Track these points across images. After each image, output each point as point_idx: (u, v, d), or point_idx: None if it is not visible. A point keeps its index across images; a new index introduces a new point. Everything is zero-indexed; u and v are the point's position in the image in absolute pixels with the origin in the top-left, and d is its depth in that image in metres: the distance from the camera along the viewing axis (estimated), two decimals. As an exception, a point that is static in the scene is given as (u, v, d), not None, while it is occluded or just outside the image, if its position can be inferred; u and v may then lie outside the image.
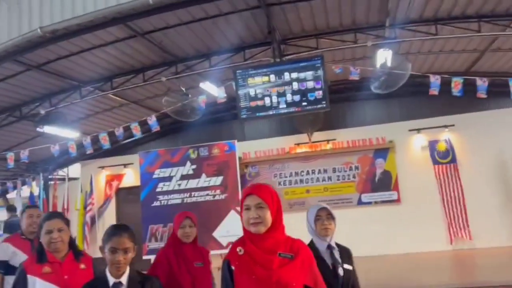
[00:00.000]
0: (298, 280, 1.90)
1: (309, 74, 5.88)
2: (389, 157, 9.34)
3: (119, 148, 10.24)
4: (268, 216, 1.90)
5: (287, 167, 9.87)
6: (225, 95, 7.19)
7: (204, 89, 7.34)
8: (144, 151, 10.01)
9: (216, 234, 9.50)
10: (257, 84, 6.03)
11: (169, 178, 9.88)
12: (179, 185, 9.84)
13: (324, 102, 5.88)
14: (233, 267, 1.92)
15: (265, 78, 5.98)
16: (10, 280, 3.02)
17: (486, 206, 8.40)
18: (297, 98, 5.91)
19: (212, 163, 9.71)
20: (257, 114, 6.04)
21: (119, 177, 10.72)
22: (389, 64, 6.44)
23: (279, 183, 9.88)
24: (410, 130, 9.25)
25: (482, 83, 6.00)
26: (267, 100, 5.96)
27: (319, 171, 9.66)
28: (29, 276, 2.51)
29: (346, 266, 2.57)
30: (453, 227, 8.55)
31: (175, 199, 9.82)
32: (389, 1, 5.38)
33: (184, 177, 9.82)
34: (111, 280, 2.19)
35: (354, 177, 9.39)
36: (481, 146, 8.73)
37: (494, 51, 7.30)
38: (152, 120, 7.02)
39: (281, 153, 9.82)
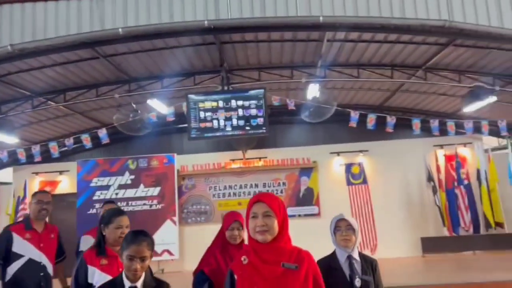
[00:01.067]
0: None
1: (253, 102, 6.80)
2: (313, 175, 10.53)
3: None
4: (275, 225, 1.93)
5: (222, 180, 10.66)
6: (173, 112, 7.85)
7: (152, 106, 7.95)
8: (83, 159, 10.27)
9: (151, 241, 9.92)
10: (207, 108, 6.83)
11: (106, 187, 10.25)
12: (117, 194, 10.25)
13: (264, 128, 6.82)
14: (236, 276, 1.95)
15: (214, 104, 6.80)
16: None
17: (392, 221, 9.83)
18: (241, 122, 6.79)
19: (151, 174, 10.26)
20: (205, 134, 6.83)
21: (53, 183, 10.79)
22: (317, 96, 7.57)
23: (214, 195, 10.63)
24: (331, 153, 10.51)
25: (390, 120, 7.31)
26: (215, 123, 6.78)
27: (251, 186, 10.57)
28: (89, 266, 2.78)
29: (366, 277, 2.57)
30: (363, 240, 9.86)
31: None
32: (322, 46, 6.47)
33: (122, 187, 10.25)
34: (127, 284, 2.28)
35: (281, 192, 10.43)
36: (389, 169, 10.20)
37: (403, 92, 8.75)
38: (102, 133, 7.46)
39: (217, 167, 10.59)
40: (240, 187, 10.62)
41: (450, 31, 5.62)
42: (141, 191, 10.26)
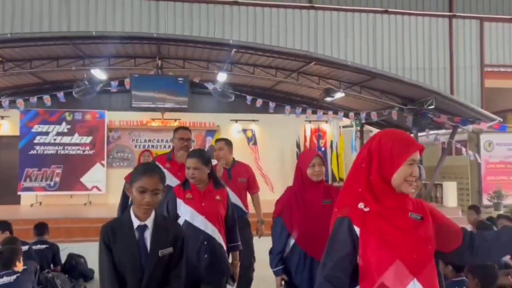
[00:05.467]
0: (432, 243, 1.69)
1: (180, 84, 9.70)
2: (216, 136, 13.72)
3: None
4: None
5: (142, 135, 13.38)
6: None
7: (95, 74, 10.37)
8: (26, 109, 12.26)
9: (83, 179, 12.62)
10: (144, 86, 9.58)
11: (46, 133, 12.47)
12: (55, 139, 12.53)
13: (185, 104, 9.79)
14: (356, 228, 1.64)
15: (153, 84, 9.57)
16: None
17: (275, 171, 13.34)
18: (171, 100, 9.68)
19: (85, 126, 12.67)
20: (144, 105, 9.61)
21: (-5, 127, 12.61)
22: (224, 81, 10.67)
23: (135, 146, 13.34)
24: (231, 120, 13.76)
25: (271, 104, 10.69)
26: (151, 99, 9.58)
27: (166, 141, 13.44)
28: (177, 199, 3.15)
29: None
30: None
31: (50, 150, 12.52)
32: (232, 52, 9.50)
33: (59, 134, 12.54)
34: (136, 222, 2.13)
35: (191, 148, 13.51)
36: (273, 135, 13.75)
37: (284, 83, 12.19)
38: (60, 94, 9.77)
39: (139, 124, 13.26)
40: (157, 141, 13.44)
41: (311, 56, 9.06)
42: (76, 138, 12.64)
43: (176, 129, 4.38)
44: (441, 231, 1.74)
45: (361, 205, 1.67)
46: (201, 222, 3.11)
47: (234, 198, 4.43)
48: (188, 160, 3.13)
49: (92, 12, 9.87)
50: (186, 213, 3.11)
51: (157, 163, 3.95)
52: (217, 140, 4.89)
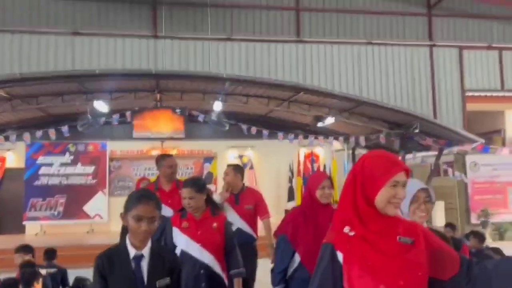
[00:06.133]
0: (423, 269, 1.59)
1: (177, 115, 10.30)
2: (213, 162, 14.29)
3: None
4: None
5: (143, 164, 13.94)
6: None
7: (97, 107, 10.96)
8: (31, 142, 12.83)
9: (86, 208, 13.11)
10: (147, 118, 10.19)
11: (50, 165, 13.03)
12: (59, 170, 13.07)
13: (182, 133, 10.38)
14: (339, 253, 1.60)
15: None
16: None
17: (270, 195, 13.84)
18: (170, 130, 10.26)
19: (87, 156, 13.22)
20: (144, 136, 10.18)
21: (2, 159, 13.15)
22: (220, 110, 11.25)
23: (135, 175, 13.86)
24: (228, 147, 14.33)
25: (265, 132, 11.27)
26: (151, 130, 10.16)
27: (166, 168, 14.00)
28: (173, 228, 3.15)
29: None
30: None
31: (54, 181, 13.04)
32: (226, 83, 10.13)
33: (63, 165, 13.09)
34: (132, 252, 2.08)
35: (189, 174, 14.04)
36: (268, 160, 14.32)
37: (276, 110, 12.79)
38: (65, 128, 10.35)
39: (139, 153, 13.82)
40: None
41: (300, 87, 9.69)
42: (79, 168, 13.18)
43: (163, 157, 4.41)
44: (436, 257, 1.65)
45: (346, 230, 1.63)
46: (196, 250, 3.09)
47: (241, 224, 4.51)
48: (183, 190, 3.16)
49: (95, 50, 10.57)
50: (181, 242, 3.11)
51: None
52: (227, 166, 4.92)
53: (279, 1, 12.31)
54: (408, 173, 1.68)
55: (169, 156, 4.55)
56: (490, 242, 11.19)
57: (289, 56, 11.68)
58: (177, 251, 3.08)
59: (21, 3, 10.96)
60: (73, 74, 8.44)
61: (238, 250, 3.31)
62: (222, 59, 10.92)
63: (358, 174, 1.69)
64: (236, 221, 4.48)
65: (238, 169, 4.81)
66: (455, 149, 11.46)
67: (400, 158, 11.76)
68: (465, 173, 12.01)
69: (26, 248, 5.17)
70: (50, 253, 5.73)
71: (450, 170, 11.75)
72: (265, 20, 12.11)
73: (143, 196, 2.11)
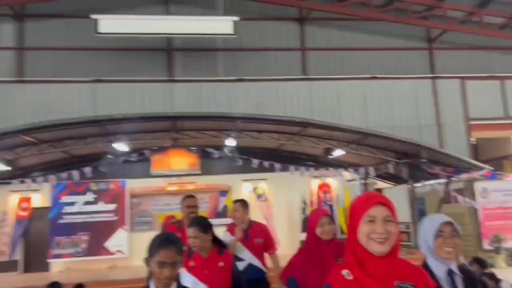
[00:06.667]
0: None
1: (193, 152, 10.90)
2: (228, 196, 14.74)
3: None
4: (396, 233, 1.62)
5: (161, 199, 14.47)
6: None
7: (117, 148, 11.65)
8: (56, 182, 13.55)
9: (107, 244, 13.60)
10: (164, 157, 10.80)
11: (73, 203, 13.62)
12: (81, 209, 13.65)
13: (198, 169, 10.95)
14: None
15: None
16: None
17: (284, 226, 14.23)
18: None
19: (108, 194, 13.81)
20: (162, 173, 10.77)
21: (28, 200, 13.85)
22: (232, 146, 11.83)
23: (155, 210, 14.41)
24: (242, 180, 14.80)
25: (277, 166, 11.75)
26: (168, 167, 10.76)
27: (183, 203, 14.51)
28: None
29: None
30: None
31: (77, 219, 13.62)
32: (237, 122, 10.72)
33: (86, 203, 13.67)
34: None
35: (206, 208, 14.51)
36: (282, 191, 14.69)
37: (287, 144, 13.31)
38: (87, 170, 11.03)
39: (158, 189, 14.37)
40: (175, 204, 14.46)
41: (307, 122, 10.23)
42: (101, 206, 13.76)
43: (184, 198, 4.50)
44: None
45: (344, 272, 1.62)
46: None
47: (252, 259, 4.50)
48: (188, 229, 3.20)
49: (115, 95, 11.40)
50: (188, 281, 3.04)
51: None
52: (234, 202, 4.92)
53: (286, 42, 13.09)
54: (389, 206, 1.64)
55: (190, 196, 4.58)
56: (504, 268, 11.31)
57: (296, 93, 12.33)
58: None
59: (47, 55, 11.96)
60: (96, 119, 9.16)
61: None
62: (234, 99, 11.62)
63: (348, 217, 1.74)
64: (247, 257, 4.51)
65: (246, 205, 4.80)
66: (464, 176, 11.73)
67: (409, 186, 12.08)
68: (475, 200, 12.21)
69: (55, 285, 5.67)
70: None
71: (460, 197, 11.96)
72: (272, 61, 12.87)
73: (165, 241, 2.11)
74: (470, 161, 10.91)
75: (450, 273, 2.08)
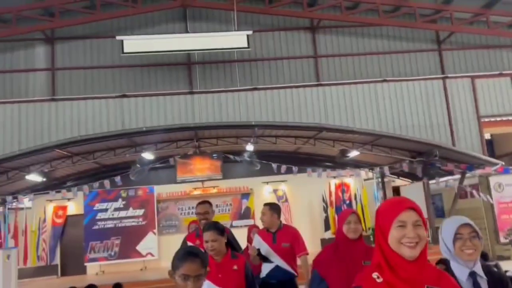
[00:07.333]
0: None
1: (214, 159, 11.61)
2: (250, 198, 15.40)
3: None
4: (425, 237, 1.65)
5: (187, 203, 15.23)
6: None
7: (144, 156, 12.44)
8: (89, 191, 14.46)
9: (138, 247, 14.41)
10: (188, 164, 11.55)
11: (105, 210, 14.49)
12: (113, 215, 14.52)
13: (219, 176, 11.64)
14: None
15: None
16: None
17: (305, 226, 14.72)
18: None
19: (137, 200, 14.65)
20: (186, 179, 11.51)
21: (64, 208, 14.82)
22: (252, 150, 12.45)
23: (181, 214, 15.17)
24: (262, 182, 15.42)
25: (294, 169, 12.31)
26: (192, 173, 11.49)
27: (207, 206, 15.23)
28: None
29: None
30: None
31: (109, 224, 14.48)
32: (255, 129, 11.35)
33: (116, 209, 14.54)
34: None
35: (228, 210, 15.20)
36: (301, 192, 15.24)
37: (305, 144, 13.86)
38: (117, 179, 11.83)
39: (183, 194, 15.14)
40: (200, 207, 15.22)
41: (321, 127, 10.78)
42: (130, 212, 14.61)
43: (197, 204, 4.47)
44: None
45: (374, 275, 1.65)
46: None
47: (279, 261, 4.53)
48: (205, 234, 3.22)
49: (140, 109, 12.19)
50: (203, 286, 3.45)
51: (188, 242, 4.29)
52: (264, 205, 4.90)
53: (298, 50, 13.69)
54: (418, 211, 1.68)
55: (202, 202, 4.56)
56: (519, 260, 11.61)
57: (310, 99, 12.90)
58: None
59: (76, 74, 12.91)
60: (124, 132, 9.94)
61: None
62: (251, 107, 12.28)
63: (376, 221, 1.75)
64: (275, 260, 4.56)
65: (274, 208, 4.81)
66: (478, 172, 12.07)
67: (423, 184, 12.48)
68: (490, 194, 12.52)
69: (92, 287, 6.41)
70: (118, 287, 6.95)
71: (475, 192, 12.29)
72: (286, 69, 13.49)
73: (189, 254, 2.13)
74: (482, 157, 11.26)
75: (472, 275, 2.05)
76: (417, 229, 1.62)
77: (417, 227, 1.63)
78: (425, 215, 12.59)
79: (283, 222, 5.01)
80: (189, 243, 4.15)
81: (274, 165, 12.39)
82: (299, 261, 4.81)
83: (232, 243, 3.68)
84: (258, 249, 4.55)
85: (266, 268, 4.57)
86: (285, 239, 4.65)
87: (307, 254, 4.84)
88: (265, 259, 4.58)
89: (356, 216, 3.08)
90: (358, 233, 3.03)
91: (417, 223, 1.63)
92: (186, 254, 2.13)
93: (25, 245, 13.84)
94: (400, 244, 1.62)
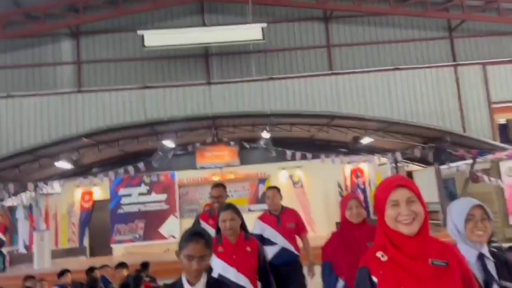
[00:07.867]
0: None
1: (232, 146, 12.18)
2: (266, 183, 15.95)
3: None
4: (422, 211, 1.65)
5: (206, 189, 15.87)
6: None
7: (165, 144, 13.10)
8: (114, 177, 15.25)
9: (161, 230, 15.19)
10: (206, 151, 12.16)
11: (129, 195, 15.28)
12: (137, 199, 15.31)
13: (237, 162, 12.22)
14: (374, 278, 1.65)
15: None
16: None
17: (320, 210, 15.33)
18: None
19: (160, 185, 15.39)
20: (205, 166, 12.14)
21: (90, 193, 15.68)
22: (268, 137, 12.98)
23: (200, 199, 15.85)
24: (278, 168, 15.95)
25: (309, 156, 12.81)
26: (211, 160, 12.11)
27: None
28: None
29: (506, 283, 2.02)
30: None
31: (134, 208, 15.27)
32: (269, 120, 11.86)
33: (140, 194, 15.32)
34: (187, 287, 2.15)
35: (246, 195, 15.82)
36: (317, 177, 15.72)
37: (319, 131, 14.31)
38: (141, 165, 12.55)
39: (202, 180, 15.80)
40: (219, 192, 15.88)
41: (334, 115, 11.22)
42: (153, 197, 15.38)
43: (211, 188, 4.49)
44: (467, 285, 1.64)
45: (378, 254, 1.67)
46: (232, 274, 3.18)
47: (284, 243, 4.65)
48: (223, 214, 3.27)
49: (160, 99, 12.84)
50: (218, 266, 3.17)
51: (200, 220, 4.41)
52: (268, 188, 4.97)
53: (312, 40, 14.06)
54: (410, 187, 1.68)
55: (217, 185, 4.53)
56: (529, 243, 11.92)
57: (323, 88, 13.33)
58: (214, 275, 3.14)
59: (100, 67, 13.62)
60: (147, 122, 10.60)
61: (270, 272, 3.42)
62: (266, 96, 12.79)
63: (374, 203, 1.80)
64: (280, 241, 4.68)
65: (279, 190, 4.91)
66: (489, 157, 12.36)
67: (434, 169, 12.82)
68: (501, 179, 12.80)
69: (123, 264, 7.11)
70: (146, 265, 7.65)
71: (486, 177, 12.58)
72: (300, 59, 13.90)
73: (194, 235, 2.18)
74: (493, 143, 11.55)
75: (481, 257, 2.05)
76: (411, 206, 1.64)
77: (411, 203, 1.65)
78: (437, 199, 13.00)
79: (299, 207, 5.10)
80: (202, 222, 4.32)
81: (289, 152, 12.92)
82: (299, 242, 4.94)
83: (245, 226, 3.64)
84: (260, 235, 4.62)
85: (271, 251, 4.63)
86: (289, 220, 4.78)
87: (307, 233, 5.09)
88: (267, 242, 4.61)
89: (357, 201, 3.15)
90: (361, 217, 3.11)
91: (410, 199, 1.65)
92: (190, 235, 2.19)
93: (55, 228, 14.80)
94: (397, 222, 1.64)
